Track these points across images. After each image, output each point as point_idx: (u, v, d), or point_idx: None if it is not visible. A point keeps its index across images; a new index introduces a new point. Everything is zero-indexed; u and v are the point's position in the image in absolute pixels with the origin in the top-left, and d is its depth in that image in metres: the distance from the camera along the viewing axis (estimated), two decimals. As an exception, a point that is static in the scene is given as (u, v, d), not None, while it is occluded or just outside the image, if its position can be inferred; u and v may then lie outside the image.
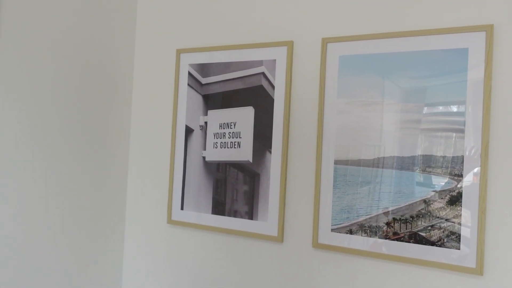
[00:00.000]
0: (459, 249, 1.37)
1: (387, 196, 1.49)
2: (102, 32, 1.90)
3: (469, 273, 1.36)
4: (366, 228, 1.51)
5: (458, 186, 1.38)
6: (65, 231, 1.78)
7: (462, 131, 1.39)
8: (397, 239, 1.46)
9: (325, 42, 1.60)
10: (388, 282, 1.49)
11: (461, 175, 1.38)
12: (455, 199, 1.39)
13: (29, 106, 1.63)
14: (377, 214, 1.50)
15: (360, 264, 1.54)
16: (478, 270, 1.35)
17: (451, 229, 1.39)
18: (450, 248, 1.38)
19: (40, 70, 1.66)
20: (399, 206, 1.47)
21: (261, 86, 1.72)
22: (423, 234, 1.42)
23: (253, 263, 1.73)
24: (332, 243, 1.56)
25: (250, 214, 1.73)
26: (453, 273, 1.40)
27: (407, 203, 1.45)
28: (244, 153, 1.75)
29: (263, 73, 1.72)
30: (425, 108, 1.44)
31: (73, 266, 1.82)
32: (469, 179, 1.37)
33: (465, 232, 1.37)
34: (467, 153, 1.38)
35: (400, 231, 1.46)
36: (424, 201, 1.43)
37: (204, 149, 1.84)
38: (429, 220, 1.42)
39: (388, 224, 1.48)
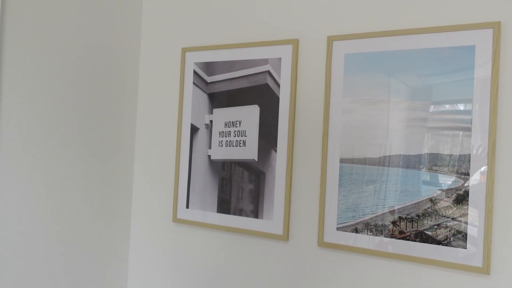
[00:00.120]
0: (465, 248, 1.36)
1: (393, 195, 1.48)
2: (108, 31, 1.91)
3: (476, 272, 1.35)
4: (372, 227, 1.50)
5: (465, 184, 1.38)
6: (71, 229, 1.79)
7: (469, 129, 1.38)
8: (403, 238, 1.45)
9: (330, 40, 1.59)
10: (394, 281, 1.49)
11: (468, 174, 1.37)
12: (461, 198, 1.38)
13: (36, 105, 1.64)
14: (383, 212, 1.49)
15: (365, 263, 1.53)
16: (485, 269, 1.34)
17: (457, 228, 1.38)
18: (457, 247, 1.38)
19: (47, 70, 1.67)
20: (405, 205, 1.46)
21: (267, 85, 1.72)
22: (429, 233, 1.41)
23: (258, 262, 1.73)
24: (338, 242, 1.56)
25: (256, 213, 1.73)
26: (459, 273, 1.39)
27: (413, 202, 1.45)
28: (250, 152, 1.75)
29: (268, 72, 1.71)
30: (432, 106, 1.43)
31: (79, 264, 1.83)
32: (476, 178, 1.36)
33: (471, 231, 1.36)
34: (474, 152, 1.37)
35: (406, 230, 1.45)
36: (430, 199, 1.42)
37: (210, 147, 1.84)
38: (435, 219, 1.41)
39: (394, 223, 1.47)
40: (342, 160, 1.56)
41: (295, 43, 1.66)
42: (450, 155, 1.40)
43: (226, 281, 1.80)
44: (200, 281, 1.87)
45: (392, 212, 1.48)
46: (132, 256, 2.06)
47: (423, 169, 1.44)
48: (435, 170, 1.42)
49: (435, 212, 1.41)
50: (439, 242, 1.40)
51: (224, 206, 1.80)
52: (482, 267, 1.34)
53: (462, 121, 1.39)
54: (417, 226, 1.43)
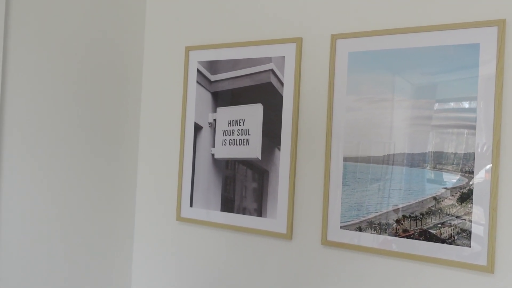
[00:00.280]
0: (470, 246, 1.36)
1: (397, 193, 1.48)
2: (112, 30, 1.91)
3: (480, 270, 1.35)
4: (376, 225, 1.50)
5: (470, 183, 1.37)
6: (75, 228, 1.80)
7: (474, 127, 1.37)
8: (407, 237, 1.45)
9: (334, 38, 1.59)
10: (398, 279, 1.48)
11: (472, 172, 1.37)
12: (466, 196, 1.37)
13: (40, 105, 1.64)
14: (386, 211, 1.49)
15: (369, 262, 1.53)
16: (489, 268, 1.33)
17: (461, 227, 1.37)
18: (461, 245, 1.37)
19: (50, 69, 1.67)
20: (409, 203, 1.46)
21: (270, 83, 1.72)
22: (433, 231, 1.41)
23: (262, 260, 1.73)
24: (341, 240, 1.56)
25: (259, 211, 1.73)
26: (463, 271, 1.39)
27: (417, 200, 1.44)
28: (253, 150, 1.75)
29: (272, 70, 1.71)
30: (436, 105, 1.43)
31: (83, 262, 1.83)
32: (480, 176, 1.36)
33: (476, 229, 1.35)
34: (478, 150, 1.36)
35: (410, 228, 1.45)
36: (435, 198, 1.42)
37: (213, 146, 1.84)
38: (440, 217, 1.41)
39: (398, 221, 1.47)
40: (346, 159, 1.56)
41: (298, 41, 1.66)
42: (455, 153, 1.40)
43: (230, 280, 1.80)
44: (204, 280, 1.87)
45: (396, 211, 1.47)
46: (136, 254, 2.06)
47: (427, 168, 1.44)
48: (439, 169, 1.42)
49: (439, 211, 1.41)
50: (443, 241, 1.40)
51: (227, 205, 1.81)
52: (487, 265, 1.34)
53: (466, 119, 1.38)
54: (421, 225, 1.43)
